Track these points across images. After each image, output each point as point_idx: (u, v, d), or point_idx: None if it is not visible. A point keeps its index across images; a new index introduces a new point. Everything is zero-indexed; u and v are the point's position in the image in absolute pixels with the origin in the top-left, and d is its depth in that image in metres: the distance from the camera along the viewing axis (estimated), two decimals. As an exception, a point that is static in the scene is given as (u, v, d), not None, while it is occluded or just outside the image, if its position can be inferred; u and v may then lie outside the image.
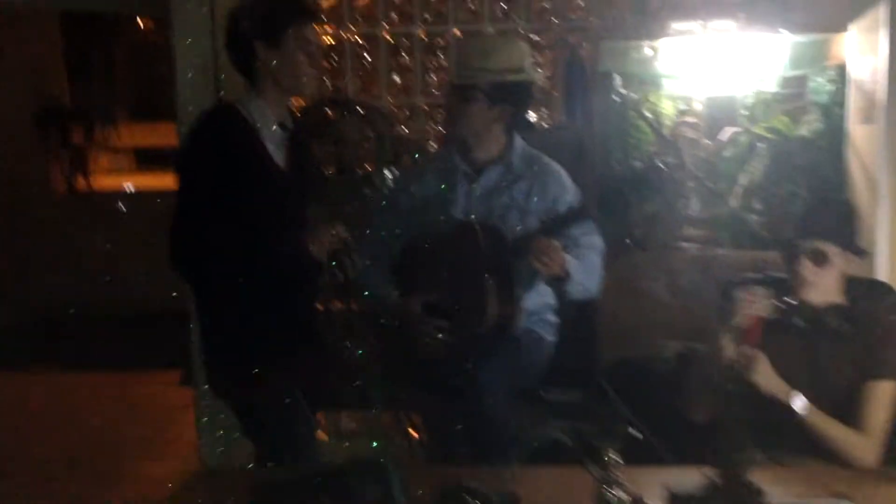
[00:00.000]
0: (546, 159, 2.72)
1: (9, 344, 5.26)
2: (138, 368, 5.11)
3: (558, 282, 2.52)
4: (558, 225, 2.51)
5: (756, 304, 2.31)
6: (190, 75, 3.59)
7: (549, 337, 2.75)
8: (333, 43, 3.90)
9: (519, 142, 2.72)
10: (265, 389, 2.30)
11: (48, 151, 6.53)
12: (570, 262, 2.49)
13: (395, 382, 2.73)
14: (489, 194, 2.65)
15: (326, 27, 3.87)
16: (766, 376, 2.27)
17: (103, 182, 7.29)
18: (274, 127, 2.33)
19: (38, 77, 7.01)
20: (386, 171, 3.59)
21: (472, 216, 2.63)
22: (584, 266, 2.55)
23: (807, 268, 2.29)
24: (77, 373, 5.17)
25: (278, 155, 2.36)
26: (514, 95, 2.63)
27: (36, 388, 4.92)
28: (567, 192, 2.67)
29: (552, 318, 2.77)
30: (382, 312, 2.73)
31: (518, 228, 2.59)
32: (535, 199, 2.63)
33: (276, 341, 2.34)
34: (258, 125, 2.32)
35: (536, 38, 3.79)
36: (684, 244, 3.43)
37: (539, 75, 2.79)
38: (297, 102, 3.80)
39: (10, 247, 6.06)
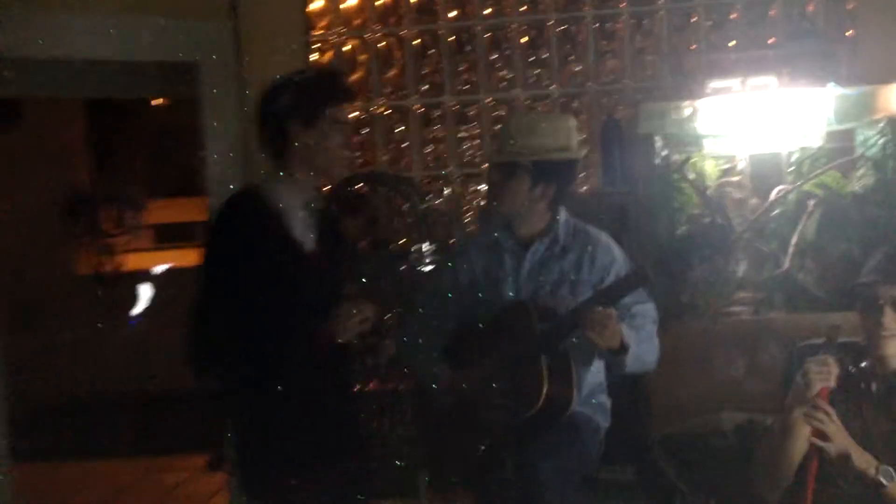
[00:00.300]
0: (593, 229, 2.64)
1: (36, 432, 5.12)
2: (167, 453, 4.96)
3: (614, 355, 2.39)
4: (611, 294, 2.39)
5: (828, 374, 2.17)
6: (216, 156, 3.55)
7: (603, 421, 2.64)
8: (362, 115, 3.84)
9: (564, 214, 2.64)
10: (303, 493, 2.20)
11: (76, 238, 6.49)
12: (626, 332, 2.37)
13: (446, 465, 2.59)
14: (537, 270, 2.58)
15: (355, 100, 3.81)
16: (849, 449, 2.12)
17: (125, 260, 7.25)
18: (301, 211, 2.27)
19: (64, 163, 7.05)
20: (421, 246, 3.48)
21: (522, 294, 2.55)
22: (641, 336, 2.45)
23: (891, 318, 2.14)
24: (105, 459, 5.04)
25: (307, 238, 2.27)
26: (560, 173, 2.58)
27: (61, 477, 4.78)
28: (616, 261, 2.59)
29: (604, 399, 2.66)
30: (432, 392, 2.61)
31: (573, 303, 2.50)
32: (585, 271, 2.55)
33: (311, 436, 2.23)
34: (283, 208, 2.24)
35: (572, 103, 3.72)
36: (736, 308, 3.27)
37: (583, 150, 2.70)
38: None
39: (40, 333, 5.97)
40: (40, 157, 6.70)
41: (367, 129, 3.84)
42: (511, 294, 2.55)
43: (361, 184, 3.61)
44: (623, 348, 2.37)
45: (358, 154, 3.83)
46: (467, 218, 3.81)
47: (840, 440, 2.14)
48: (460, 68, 3.80)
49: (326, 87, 2.30)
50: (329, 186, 3.54)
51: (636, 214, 3.32)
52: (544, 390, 2.39)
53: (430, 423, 2.72)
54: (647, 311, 2.52)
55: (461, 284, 2.64)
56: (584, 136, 3.66)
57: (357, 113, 3.82)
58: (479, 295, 2.59)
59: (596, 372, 2.61)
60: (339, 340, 2.16)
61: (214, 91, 3.54)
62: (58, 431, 5.29)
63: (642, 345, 2.44)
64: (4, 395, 3.35)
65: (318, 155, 2.24)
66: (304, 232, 2.26)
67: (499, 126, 2.66)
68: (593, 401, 2.61)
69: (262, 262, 2.16)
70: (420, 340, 2.65)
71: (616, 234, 2.85)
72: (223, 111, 3.56)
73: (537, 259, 2.58)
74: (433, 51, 3.80)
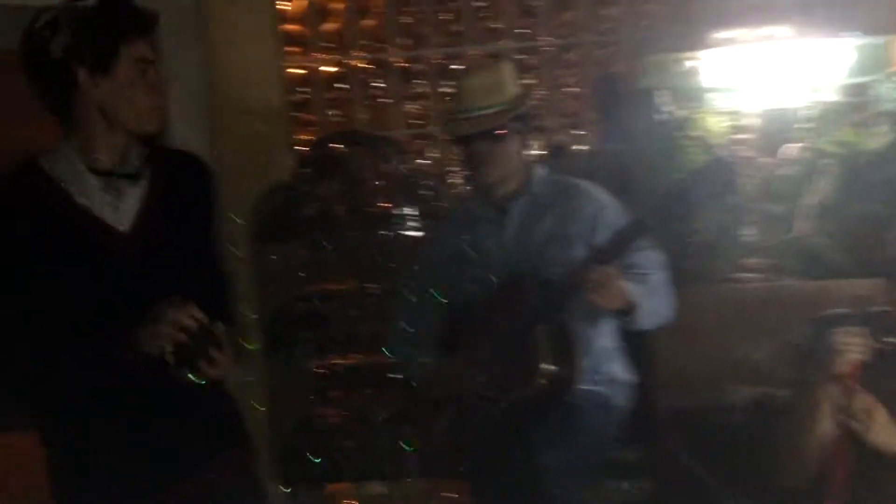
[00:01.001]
0: (572, 180, 2.40)
1: None
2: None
3: (623, 315, 2.16)
4: (609, 250, 2.14)
5: (857, 347, 1.94)
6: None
7: (619, 398, 2.35)
8: (338, 69, 3.55)
9: (539, 169, 2.40)
10: None
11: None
12: (632, 288, 2.13)
13: (435, 450, 2.35)
14: (521, 233, 2.34)
15: (331, 54, 3.53)
16: (887, 430, 1.89)
17: None
18: (101, 183, 1.73)
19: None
20: (403, 210, 3.21)
21: (510, 262, 2.31)
22: (649, 287, 2.20)
23: None
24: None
25: (115, 214, 1.74)
26: (525, 125, 2.35)
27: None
28: (605, 207, 2.33)
29: (617, 370, 2.37)
30: (420, 376, 2.38)
31: (563, 261, 2.24)
32: (572, 224, 2.30)
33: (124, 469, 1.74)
34: (73, 182, 1.72)
35: (565, 55, 3.46)
36: (745, 275, 3.04)
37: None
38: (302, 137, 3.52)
39: None
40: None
41: (344, 85, 3.58)
42: (498, 264, 2.32)
43: (337, 143, 3.32)
44: (631, 306, 2.13)
45: (335, 111, 3.57)
46: (451, 178, 3.55)
47: (878, 423, 1.91)
48: (444, 18, 3.53)
49: (117, 15, 1.73)
50: (310, 144, 3.29)
51: (636, 174, 3.09)
52: (541, 366, 2.16)
53: (419, 407, 2.48)
54: (650, 257, 2.26)
55: (444, 262, 2.41)
56: (581, 92, 3.42)
57: (334, 67, 3.53)
58: (465, 270, 2.35)
59: (603, 336, 2.33)
60: (145, 349, 1.64)
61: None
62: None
63: (653, 297, 2.19)
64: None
65: (115, 106, 1.72)
66: (107, 210, 1.74)
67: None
68: (603, 372, 2.32)
69: (38, 254, 1.67)
70: (403, 321, 2.42)
71: (615, 195, 2.62)
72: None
73: (518, 222, 2.35)
74: (412, -1, 3.52)
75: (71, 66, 1.68)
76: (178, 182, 1.80)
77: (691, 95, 3.15)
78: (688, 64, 3.13)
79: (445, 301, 2.40)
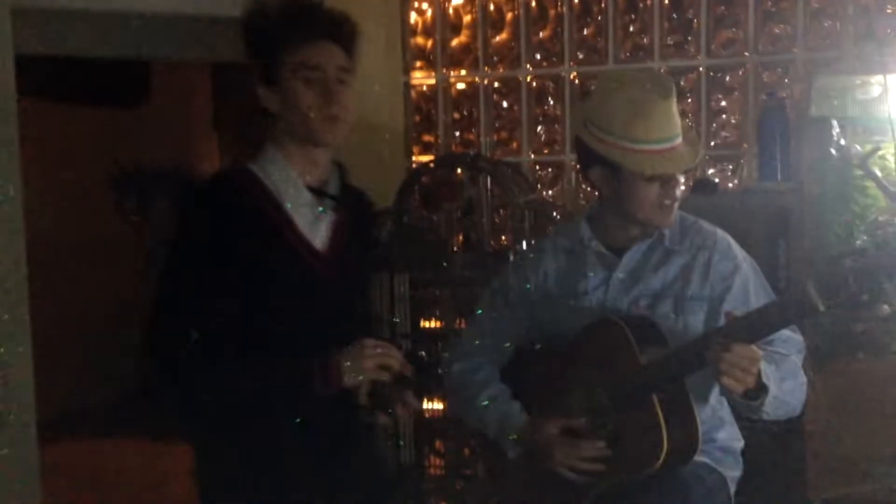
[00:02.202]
0: (707, 226, 1.99)
1: (110, 416, 5.19)
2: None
3: (748, 398, 1.75)
4: (759, 326, 1.69)
5: None
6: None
7: (730, 469, 1.98)
8: (465, 87, 3.26)
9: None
10: None
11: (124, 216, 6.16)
12: (765, 367, 1.73)
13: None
14: (632, 279, 1.95)
15: (459, 70, 3.25)
16: None
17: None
18: (305, 198, 1.69)
19: (192, 139, 6.92)
20: (524, 245, 2.86)
21: (607, 309, 1.94)
22: (783, 371, 1.80)
23: None
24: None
25: (313, 231, 1.70)
26: None
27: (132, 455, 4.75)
28: (740, 269, 1.93)
29: (727, 437, 1.99)
30: (500, 436, 2.01)
31: (678, 322, 1.90)
32: (697, 282, 1.91)
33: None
34: (279, 193, 1.69)
35: (723, 77, 3.02)
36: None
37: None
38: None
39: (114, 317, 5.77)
40: (168, 135, 6.58)
41: (469, 104, 3.28)
42: (596, 310, 1.95)
43: (456, 168, 3.01)
44: (760, 389, 1.72)
45: (458, 133, 3.26)
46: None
47: None
48: (583, 33, 3.17)
49: (281, 20, 1.66)
50: (422, 168, 3.03)
51: (801, 218, 2.67)
52: (665, 439, 1.77)
53: (503, 478, 2.11)
54: (788, 337, 1.87)
55: (528, 297, 2.04)
56: (738, 121, 2.96)
57: (460, 84, 3.25)
58: (552, 311, 2.00)
59: (716, 406, 1.97)
60: (344, 387, 1.59)
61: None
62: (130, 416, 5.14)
63: (785, 383, 1.79)
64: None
65: (289, 118, 1.67)
66: (308, 225, 1.70)
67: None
68: (715, 443, 1.97)
69: (237, 261, 1.63)
70: (476, 370, 2.06)
71: (773, 242, 2.24)
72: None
73: (633, 265, 1.96)
74: (552, 12, 3.18)
75: (249, 77, 1.67)
76: (355, 215, 1.78)
77: (875, 127, 2.65)
78: (873, 90, 2.64)
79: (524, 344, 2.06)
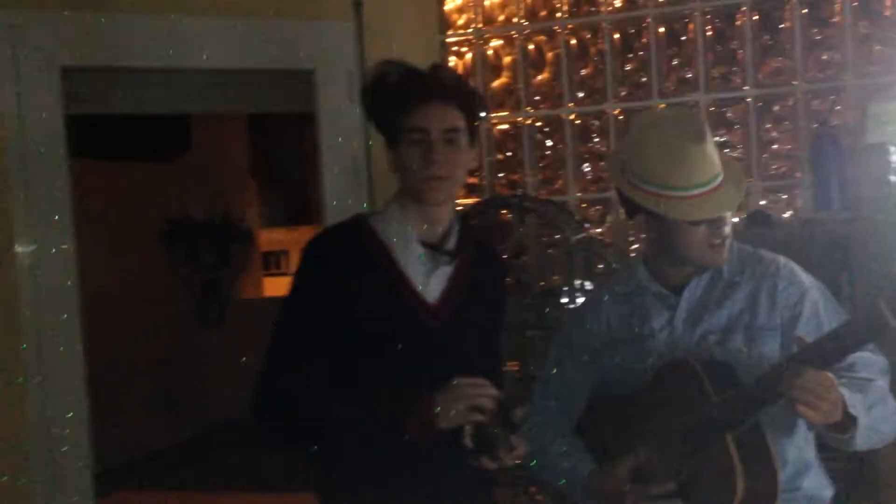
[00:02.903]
0: (767, 254, 1.92)
1: (165, 464, 5.29)
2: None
3: (836, 431, 1.66)
4: (831, 349, 1.61)
5: None
6: (335, 175, 3.05)
7: None
8: (508, 128, 3.24)
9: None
10: None
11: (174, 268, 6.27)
12: (850, 397, 1.63)
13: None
14: (698, 316, 1.88)
15: (501, 111, 3.23)
16: None
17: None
18: (418, 249, 1.76)
19: (231, 187, 7.00)
20: (575, 284, 2.81)
21: (680, 351, 1.86)
22: (870, 399, 1.70)
23: None
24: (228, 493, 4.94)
25: (425, 284, 1.76)
26: None
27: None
28: (808, 294, 1.84)
29: (817, 486, 1.88)
30: (571, 486, 1.93)
31: (752, 355, 1.81)
32: (764, 311, 1.84)
33: None
34: (396, 244, 1.76)
35: (772, 106, 2.95)
36: None
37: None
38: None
39: (163, 368, 5.82)
40: (208, 183, 6.69)
41: (513, 144, 3.25)
42: (665, 352, 1.88)
43: (503, 209, 2.98)
44: (848, 420, 1.63)
45: (502, 174, 3.23)
46: (633, 250, 3.12)
47: None
48: (626, 69, 3.13)
49: (392, 87, 1.74)
50: (469, 209, 3.00)
51: (861, 247, 2.59)
52: (740, 484, 1.69)
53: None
54: (871, 361, 1.77)
55: (594, 348, 1.98)
56: (790, 147, 2.90)
57: (504, 125, 3.23)
58: (618, 358, 1.93)
59: (802, 446, 1.87)
60: (440, 428, 1.58)
61: (333, 104, 3.03)
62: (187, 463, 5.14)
63: (874, 410, 1.69)
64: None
65: (402, 178, 1.76)
66: (421, 277, 1.76)
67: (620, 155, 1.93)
68: (800, 491, 1.86)
69: (350, 308, 1.70)
70: (548, 425, 2.00)
71: (833, 274, 2.15)
72: (343, 127, 3.04)
73: (695, 302, 1.89)
74: (592, 49, 3.15)
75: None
76: (481, 266, 1.83)
77: (935, 152, 2.58)
78: (929, 114, 2.58)
79: (593, 395, 1.99)
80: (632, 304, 1.95)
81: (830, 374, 1.59)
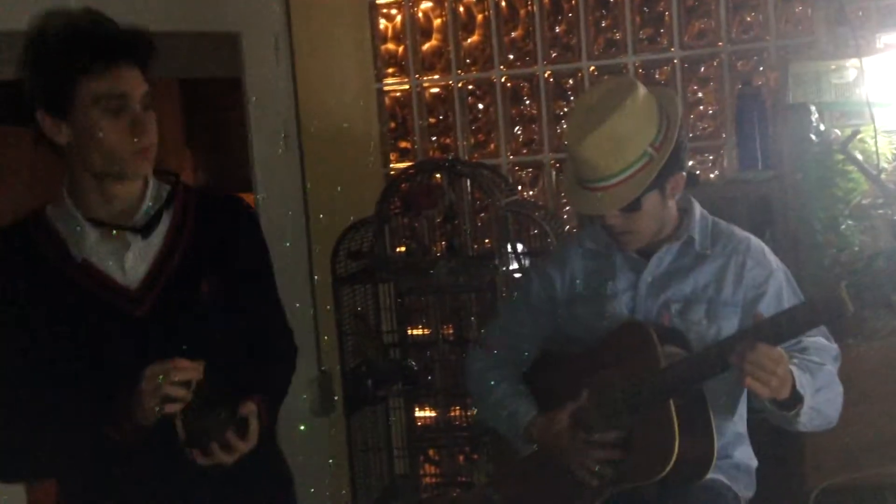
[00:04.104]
0: (740, 232, 1.95)
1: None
2: None
3: (781, 408, 1.69)
4: (786, 328, 1.63)
5: None
6: (264, 141, 3.01)
7: (744, 488, 1.94)
8: (438, 92, 3.23)
9: (698, 209, 1.96)
10: None
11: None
12: (799, 376, 1.66)
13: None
14: (662, 284, 1.90)
15: (432, 74, 3.21)
16: None
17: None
18: (89, 228, 1.53)
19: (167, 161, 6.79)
20: (507, 246, 2.82)
21: (639, 314, 1.90)
22: (819, 380, 1.73)
23: None
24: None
25: (120, 270, 1.54)
26: (679, 159, 1.89)
27: None
28: (774, 275, 1.88)
29: (745, 458, 1.95)
30: (512, 439, 1.98)
31: (710, 329, 1.84)
32: (730, 288, 1.86)
33: None
34: (71, 233, 1.54)
35: (698, 68, 3.00)
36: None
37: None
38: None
39: None
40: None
41: (444, 107, 3.24)
42: (624, 315, 1.91)
43: (434, 173, 2.97)
44: (795, 399, 1.66)
45: (434, 138, 3.22)
46: (567, 213, 3.15)
47: None
48: (556, 30, 3.13)
49: (69, 47, 1.45)
50: (399, 174, 2.98)
51: (784, 206, 2.63)
52: (676, 446, 1.72)
53: (509, 479, 2.08)
54: (823, 346, 1.81)
55: (554, 300, 2.01)
56: (714, 107, 2.94)
57: (434, 88, 3.21)
58: (578, 314, 1.96)
59: (737, 421, 1.94)
60: (141, 428, 1.43)
61: (259, 68, 2.97)
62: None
63: (821, 393, 1.72)
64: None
65: (85, 152, 1.49)
66: (112, 265, 1.53)
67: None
68: (731, 460, 1.93)
69: (31, 309, 1.50)
70: (493, 371, 2.03)
71: (758, 231, 2.20)
72: (271, 91, 2.99)
73: (662, 269, 1.91)
74: (522, 11, 3.14)
75: (34, 109, 1.46)
76: (211, 232, 1.61)
77: (852, 111, 2.64)
78: (849, 74, 2.62)
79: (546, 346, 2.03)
80: (599, 262, 1.97)
81: (782, 350, 1.62)
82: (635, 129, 1.79)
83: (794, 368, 1.65)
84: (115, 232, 1.53)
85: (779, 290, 1.85)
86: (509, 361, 2.05)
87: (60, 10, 1.49)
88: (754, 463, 1.97)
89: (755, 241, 1.93)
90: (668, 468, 1.71)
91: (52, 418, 1.46)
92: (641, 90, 1.82)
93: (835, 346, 1.83)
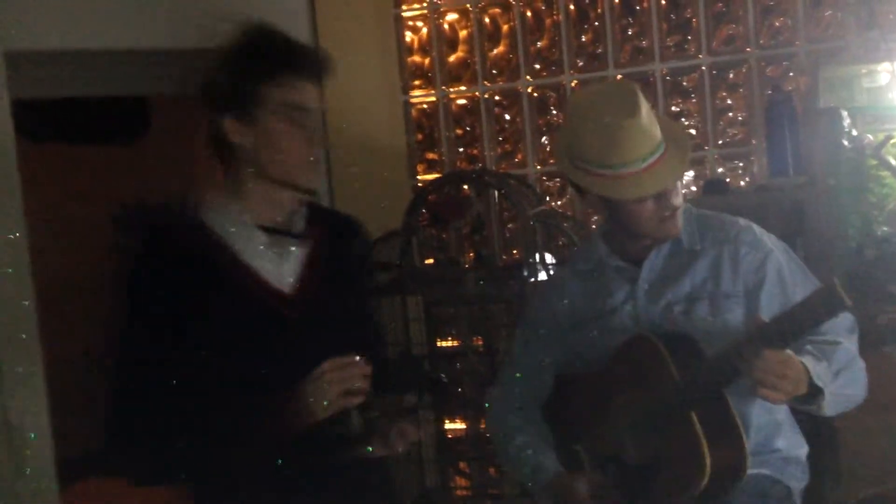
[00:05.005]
0: (726, 219, 1.89)
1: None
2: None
3: (803, 402, 1.66)
4: (788, 328, 1.58)
5: None
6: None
7: (796, 480, 1.87)
8: (465, 102, 3.23)
9: (683, 205, 1.89)
10: None
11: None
12: (814, 367, 1.62)
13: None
14: (660, 288, 1.86)
15: (459, 85, 3.21)
16: None
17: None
18: (264, 242, 1.62)
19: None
20: (535, 257, 2.81)
21: (643, 324, 1.84)
22: (836, 363, 1.68)
23: None
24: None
25: (277, 274, 1.62)
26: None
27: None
28: (772, 255, 1.82)
29: (789, 444, 1.87)
30: (532, 486, 1.92)
31: (717, 324, 1.79)
32: (728, 278, 1.81)
33: None
34: (232, 239, 1.61)
35: (727, 74, 2.97)
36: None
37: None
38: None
39: None
40: (170, 169, 6.50)
41: (471, 118, 3.24)
42: (630, 326, 1.86)
43: (462, 184, 2.96)
44: (815, 391, 1.62)
45: (462, 148, 3.22)
46: (594, 222, 3.12)
47: None
48: (582, 40, 3.12)
49: (261, 55, 1.57)
50: (429, 185, 2.99)
51: (816, 213, 2.59)
52: (707, 458, 1.67)
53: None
54: (839, 324, 1.74)
55: (558, 325, 1.96)
56: (744, 114, 2.91)
57: (461, 100, 3.21)
58: (583, 335, 1.91)
59: (770, 407, 1.82)
60: (312, 421, 1.49)
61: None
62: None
63: (841, 376, 1.68)
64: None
65: (265, 159, 1.58)
66: (271, 270, 1.61)
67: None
68: (778, 453, 1.86)
69: (194, 315, 1.54)
70: (514, 411, 1.99)
71: (790, 238, 2.13)
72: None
73: (657, 273, 1.87)
74: (548, 21, 3.13)
75: (218, 114, 1.56)
76: (338, 245, 1.71)
77: (885, 115, 2.58)
78: (881, 78, 2.59)
79: (557, 375, 1.98)
80: (594, 281, 1.93)
81: (789, 352, 1.58)
82: (649, 112, 1.76)
83: (807, 359, 1.61)
84: (281, 236, 1.61)
85: (779, 269, 1.80)
86: (528, 398, 1.99)
87: (251, 23, 1.59)
88: (804, 450, 1.89)
89: (744, 222, 1.87)
90: (704, 482, 1.66)
91: (209, 416, 1.50)
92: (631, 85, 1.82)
93: (849, 316, 1.74)
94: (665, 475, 1.74)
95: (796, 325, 1.57)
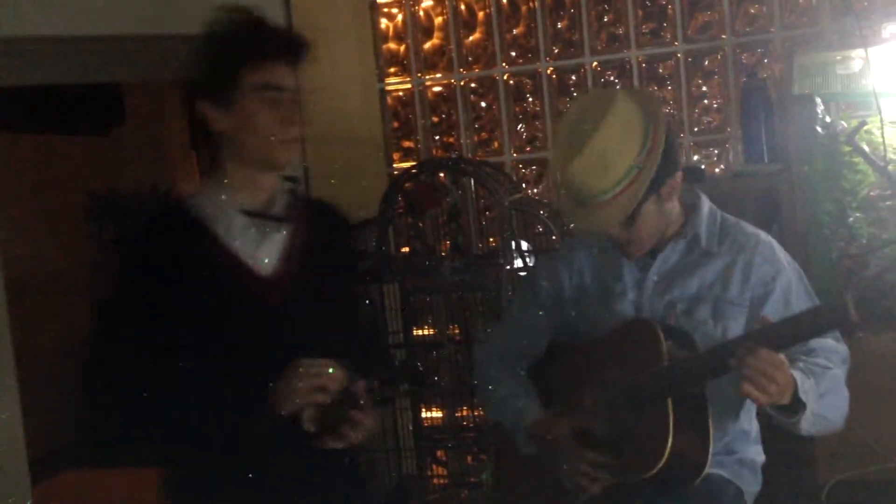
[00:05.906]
0: (749, 227, 1.90)
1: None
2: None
3: (783, 413, 1.66)
4: (789, 333, 1.61)
5: None
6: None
7: (749, 484, 1.91)
8: (442, 91, 3.21)
9: (707, 205, 1.91)
10: None
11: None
12: (803, 382, 1.62)
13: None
14: (668, 282, 1.87)
15: (434, 73, 3.20)
16: None
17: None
18: (239, 217, 1.64)
19: (170, 164, 6.83)
20: (512, 244, 2.80)
21: (644, 313, 1.86)
22: (823, 385, 1.69)
23: None
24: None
25: (256, 257, 1.64)
26: (674, 156, 1.83)
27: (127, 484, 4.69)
28: (782, 273, 1.83)
29: (752, 454, 1.93)
30: (513, 432, 1.96)
31: (717, 328, 1.81)
32: (736, 286, 1.82)
33: None
34: (214, 224, 1.63)
35: (702, 61, 2.98)
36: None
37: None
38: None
39: None
40: (145, 158, 6.47)
41: (447, 106, 3.23)
42: (630, 313, 1.88)
43: (438, 172, 2.95)
44: (797, 404, 1.62)
45: (437, 136, 3.21)
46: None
47: None
48: (558, 27, 3.11)
49: (238, 40, 1.59)
50: (408, 170, 2.97)
51: (791, 199, 2.61)
52: (668, 443, 1.69)
53: (509, 472, 2.07)
54: (831, 348, 1.76)
55: (561, 296, 1.99)
56: (719, 101, 2.92)
57: (437, 87, 3.20)
58: (585, 311, 1.94)
59: (743, 418, 1.90)
60: (282, 413, 1.52)
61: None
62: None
63: (825, 398, 1.68)
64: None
65: (244, 141, 1.61)
66: (250, 253, 1.63)
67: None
68: (735, 456, 1.91)
69: (176, 297, 1.56)
70: (499, 365, 2.03)
71: (766, 225, 2.17)
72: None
73: (668, 267, 1.88)
74: (524, 8, 3.12)
75: (196, 100, 1.59)
76: (318, 231, 1.72)
77: (859, 102, 2.62)
78: (855, 64, 2.59)
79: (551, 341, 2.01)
80: (607, 260, 1.94)
81: (783, 357, 1.58)
82: (619, 143, 1.73)
83: (797, 373, 1.61)
84: (262, 219, 1.63)
85: (787, 288, 1.80)
86: (517, 353, 2.04)
87: (226, 9, 1.60)
88: (760, 459, 1.94)
89: (765, 237, 1.87)
90: (659, 465, 1.68)
91: (192, 401, 1.51)
92: (621, 101, 1.76)
93: (844, 347, 1.78)
94: (627, 454, 1.77)
95: (797, 331, 1.59)
